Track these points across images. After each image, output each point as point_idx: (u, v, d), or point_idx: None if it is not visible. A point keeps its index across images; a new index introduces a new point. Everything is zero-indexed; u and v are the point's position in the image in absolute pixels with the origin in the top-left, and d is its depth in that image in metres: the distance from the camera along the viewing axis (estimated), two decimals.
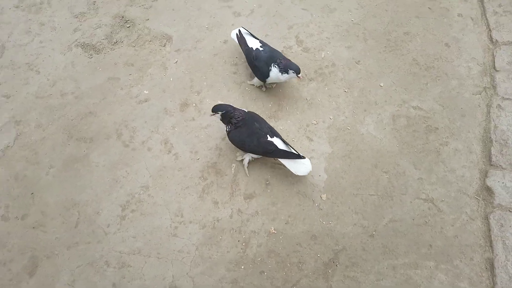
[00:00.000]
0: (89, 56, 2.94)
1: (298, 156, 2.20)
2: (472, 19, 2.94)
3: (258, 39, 2.64)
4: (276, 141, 2.22)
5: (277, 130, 2.42)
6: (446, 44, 2.84)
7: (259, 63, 2.47)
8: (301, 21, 3.01)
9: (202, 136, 2.55)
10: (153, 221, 2.29)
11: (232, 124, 2.26)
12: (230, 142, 2.36)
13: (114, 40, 3.00)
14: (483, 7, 2.98)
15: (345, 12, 3.03)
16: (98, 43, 2.99)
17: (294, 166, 2.23)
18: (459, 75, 2.70)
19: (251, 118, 2.28)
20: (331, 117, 2.58)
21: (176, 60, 2.88)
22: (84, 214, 2.34)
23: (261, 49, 2.52)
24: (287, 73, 2.39)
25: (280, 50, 2.86)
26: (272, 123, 2.57)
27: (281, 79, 2.44)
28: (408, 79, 2.71)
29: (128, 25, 3.07)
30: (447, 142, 2.45)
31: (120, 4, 3.18)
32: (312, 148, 2.48)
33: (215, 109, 2.28)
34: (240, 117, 2.24)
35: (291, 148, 2.23)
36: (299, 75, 2.37)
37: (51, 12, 3.17)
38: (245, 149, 2.31)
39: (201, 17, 3.07)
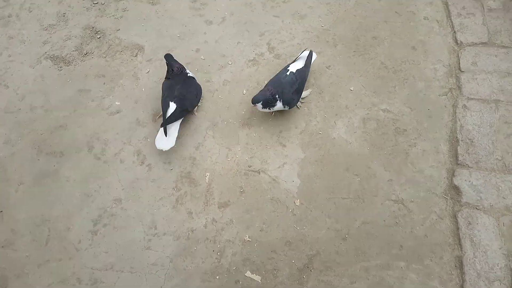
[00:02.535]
0: (59, 68, 2.90)
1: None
2: (438, 22, 3.01)
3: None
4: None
5: (251, 137, 2.44)
6: (413, 47, 2.90)
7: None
8: (272, 28, 3.04)
9: (175, 146, 2.54)
10: (126, 235, 2.27)
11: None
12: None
13: (85, 51, 2.98)
14: (448, 10, 3.05)
15: (315, 18, 3.08)
16: (68, 55, 2.96)
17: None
18: (425, 77, 2.76)
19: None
20: (304, 123, 2.61)
21: (148, 70, 2.87)
22: (54, 230, 2.30)
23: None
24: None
25: (252, 58, 2.89)
26: (245, 131, 2.58)
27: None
28: (377, 83, 2.76)
29: (98, 36, 3.05)
30: (415, 143, 2.50)
31: (90, 15, 3.15)
32: (285, 154, 2.50)
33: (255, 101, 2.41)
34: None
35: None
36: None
37: (20, 25, 3.12)
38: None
39: (173, 26, 3.07)
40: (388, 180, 2.38)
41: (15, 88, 2.81)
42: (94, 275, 2.19)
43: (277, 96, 2.38)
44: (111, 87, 2.80)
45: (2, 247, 2.28)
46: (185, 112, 2.49)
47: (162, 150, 2.41)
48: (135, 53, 2.95)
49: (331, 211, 2.31)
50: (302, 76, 2.51)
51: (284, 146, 2.53)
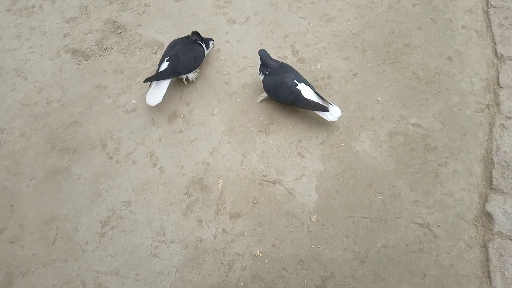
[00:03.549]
0: (78, 62, 2.85)
1: (324, 109, 2.33)
2: (477, 32, 2.80)
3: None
4: (304, 89, 2.34)
5: (268, 145, 2.33)
6: (449, 58, 2.70)
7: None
8: (297, 30, 2.90)
9: (189, 150, 2.45)
10: (133, 240, 2.19)
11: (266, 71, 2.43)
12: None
13: (105, 46, 2.91)
14: (489, 19, 2.84)
15: (343, 21, 2.91)
16: (88, 49, 2.90)
17: (324, 114, 2.37)
18: (461, 91, 2.57)
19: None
20: (326, 133, 2.46)
21: None
22: (62, 229, 2.24)
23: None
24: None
25: None
26: (263, 138, 2.46)
27: None
28: (407, 94, 2.58)
29: (119, 31, 2.98)
30: (446, 162, 2.32)
31: (113, 9, 3.09)
32: (303, 165, 2.37)
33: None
34: (275, 65, 2.42)
35: (319, 98, 2.36)
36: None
37: (43, 16, 3.09)
38: (277, 96, 2.43)
39: (195, 24, 2.97)
40: (414, 201, 2.21)
41: (33, 80, 2.78)
42: (98, 279, 2.12)
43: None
44: (128, 85, 2.72)
45: (10, 242, 2.24)
46: (176, 74, 2.50)
47: (150, 105, 2.47)
48: (154, 50, 2.87)
49: (349, 230, 2.16)
50: None
51: (303, 156, 2.39)
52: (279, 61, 2.47)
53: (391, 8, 2.95)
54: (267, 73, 2.44)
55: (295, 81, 2.35)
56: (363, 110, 2.54)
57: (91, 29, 2.99)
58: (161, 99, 2.46)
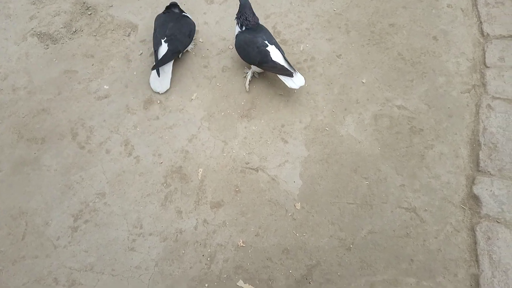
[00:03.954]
0: (46, 46, 2.67)
1: (289, 73, 2.25)
2: (462, 10, 2.73)
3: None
4: (274, 52, 2.27)
5: (250, 130, 2.22)
6: (434, 37, 2.63)
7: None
8: (279, 10, 2.77)
9: (166, 137, 2.32)
10: (108, 233, 2.07)
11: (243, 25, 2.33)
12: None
13: (74, 29, 2.73)
14: None
15: (327, 0, 2.80)
16: (56, 32, 2.72)
17: (286, 80, 2.29)
18: (447, 72, 2.50)
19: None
20: (309, 117, 2.37)
21: (141, 52, 2.62)
22: (32, 224, 2.11)
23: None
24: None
25: None
26: (244, 123, 2.35)
27: None
28: (392, 75, 2.50)
29: (89, 13, 2.80)
30: (432, 145, 2.26)
31: None
32: (287, 151, 2.27)
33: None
34: (252, 23, 2.32)
35: (286, 63, 2.29)
36: None
37: None
38: (246, 55, 2.34)
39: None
40: (400, 185, 2.15)
41: None
42: (72, 276, 1.99)
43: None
44: (100, 69, 2.56)
45: None
46: (176, 54, 2.41)
47: (158, 93, 2.43)
48: (127, 33, 2.70)
49: (335, 217, 2.09)
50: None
51: (286, 142, 2.30)
52: (258, 20, 2.37)
53: None
54: (243, 29, 2.34)
55: (266, 42, 2.28)
56: (348, 93, 2.45)
57: (59, 11, 2.80)
58: (169, 84, 2.42)
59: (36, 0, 2.86)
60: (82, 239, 2.06)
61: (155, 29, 2.46)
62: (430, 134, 2.29)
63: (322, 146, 2.27)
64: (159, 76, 2.37)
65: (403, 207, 2.10)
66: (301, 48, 2.61)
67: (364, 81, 2.49)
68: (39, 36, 2.70)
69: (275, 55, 2.27)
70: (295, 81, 2.27)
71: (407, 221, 2.07)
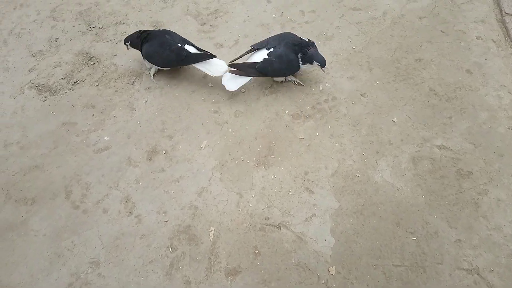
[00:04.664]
0: (43, 98, 2.47)
1: (211, 56, 2.27)
2: (494, 42, 2.49)
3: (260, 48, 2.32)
4: (188, 47, 2.28)
5: (269, 180, 1.91)
6: (468, 71, 2.37)
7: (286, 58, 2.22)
8: None
9: (172, 191, 2.01)
10: None
11: (142, 41, 2.30)
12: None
13: (75, 79, 2.55)
14: (506, 27, 2.54)
15: (344, 39, 2.60)
16: (55, 84, 2.53)
17: (210, 69, 2.28)
18: (488, 106, 2.20)
19: (162, 32, 2.34)
20: (336, 162, 2.05)
21: (146, 99, 2.40)
22: None
23: (274, 50, 2.25)
24: (311, 64, 2.23)
25: (270, 85, 2.41)
26: (261, 172, 2.04)
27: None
28: (427, 113, 2.21)
29: (92, 62, 2.63)
30: (486, 190, 1.90)
31: (86, 40, 2.76)
32: (313, 203, 1.93)
33: (125, 40, 2.39)
34: (148, 32, 2.30)
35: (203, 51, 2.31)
36: (323, 68, 2.22)
37: (6, 51, 2.75)
38: (159, 60, 2.33)
39: None
40: (456, 241, 1.77)
41: None
42: None
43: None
44: (101, 120, 2.33)
45: None
46: (262, 75, 2.29)
47: (229, 91, 2.29)
48: (132, 81, 2.51)
49: (380, 284, 1.69)
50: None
51: (312, 192, 1.97)
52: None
53: (394, 23, 2.65)
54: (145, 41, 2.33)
55: (179, 43, 2.29)
56: (378, 134, 2.15)
57: (60, 62, 2.64)
58: (237, 88, 2.26)
59: (37, 52, 2.72)
60: None
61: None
62: (481, 178, 1.94)
63: (355, 196, 1.93)
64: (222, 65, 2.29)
65: (463, 269, 1.70)
66: (320, 88, 2.36)
67: (395, 120, 2.20)
68: (37, 88, 2.52)
69: (190, 48, 2.29)
70: (218, 65, 2.27)
71: (471, 286, 1.65)
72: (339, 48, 2.55)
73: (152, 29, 2.59)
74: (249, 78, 2.26)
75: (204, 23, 2.78)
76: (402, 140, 2.12)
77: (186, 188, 2.02)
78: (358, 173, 2.02)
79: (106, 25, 2.85)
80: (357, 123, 2.20)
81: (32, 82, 2.56)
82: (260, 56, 2.25)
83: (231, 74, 2.26)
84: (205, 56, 2.28)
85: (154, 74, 2.47)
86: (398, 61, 2.46)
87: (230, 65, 2.29)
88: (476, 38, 2.54)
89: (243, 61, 2.32)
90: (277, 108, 2.30)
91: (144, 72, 2.54)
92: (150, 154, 2.17)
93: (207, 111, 2.31)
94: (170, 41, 2.28)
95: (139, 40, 2.34)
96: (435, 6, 2.71)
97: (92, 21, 2.88)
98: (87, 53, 2.69)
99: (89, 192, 2.05)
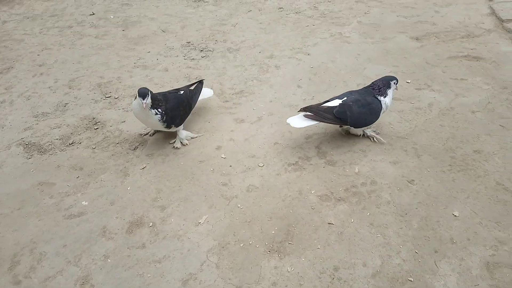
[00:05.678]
0: (29, 156, 2.13)
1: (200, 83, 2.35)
2: None
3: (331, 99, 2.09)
4: (184, 89, 2.25)
5: (283, 273, 1.34)
6: None
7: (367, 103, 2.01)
8: (322, 130, 2.22)
9: (148, 276, 1.45)
10: None
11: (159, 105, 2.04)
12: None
13: (71, 141, 2.24)
14: None
15: (384, 125, 2.25)
16: (47, 143, 2.23)
17: (203, 94, 2.32)
18: None
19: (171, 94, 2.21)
20: (378, 259, 1.47)
21: (145, 165, 2.01)
22: None
23: (347, 98, 2.04)
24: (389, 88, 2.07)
25: (293, 161, 1.99)
26: (274, 261, 1.49)
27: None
28: (498, 209, 1.68)
29: (96, 127, 2.36)
30: None
31: (97, 107, 2.55)
32: None
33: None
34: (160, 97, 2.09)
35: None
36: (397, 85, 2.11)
37: (9, 110, 2.56)
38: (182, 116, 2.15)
39: (194, 121, 2.34)
40: None
41: None
42: None
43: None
44: (85, 182, 1.92)
45: None
46: (338, 121, 2.03)
47: (294, 127, 2.02)
48: (134, 146, 2.16)
49: None
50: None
51: None
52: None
53: (443, 114, 2.32)
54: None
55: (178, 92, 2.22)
56: (435, 229, 1.60)
57: (61, 124, 2.38)
58: (304, 126, 2.00)
59: (40, 114, 2.50)
60: None
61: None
62: None
63: None
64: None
65: None
66: (356, 170, 1.91)
67: (456, 214, 1.66)
68: (26, 146, 2.20)
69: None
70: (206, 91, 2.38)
71: None
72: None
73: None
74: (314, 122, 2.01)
75: (226, 101, 2.54)
76: (468, 239, 1.55)
77: (168, 273, 1.46)
78: (410, 276, 1.42)
79: (123, 96, 2.66)
80: (405, 213, 1.67)
81: (23, 139, 2.27)
82: (335, 102, 2.00)
83: (301, 116, 1.99)
84: (195, 90, 2.30)
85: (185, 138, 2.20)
86: (453, 150, 2.03)
87: (304, 109, 2.01)
88: None
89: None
90: (302, 186, 1.83)
91: (149, 140, 2.20)
92: (133, 225, 1.67)
93: (214, 182, 1.87)
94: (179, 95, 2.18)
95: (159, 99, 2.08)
96: (489, 102, 2.39)
97: (109, 91, 2.71)
98: (93, 118, 2.44)
99: (40, 265, 1.51)
